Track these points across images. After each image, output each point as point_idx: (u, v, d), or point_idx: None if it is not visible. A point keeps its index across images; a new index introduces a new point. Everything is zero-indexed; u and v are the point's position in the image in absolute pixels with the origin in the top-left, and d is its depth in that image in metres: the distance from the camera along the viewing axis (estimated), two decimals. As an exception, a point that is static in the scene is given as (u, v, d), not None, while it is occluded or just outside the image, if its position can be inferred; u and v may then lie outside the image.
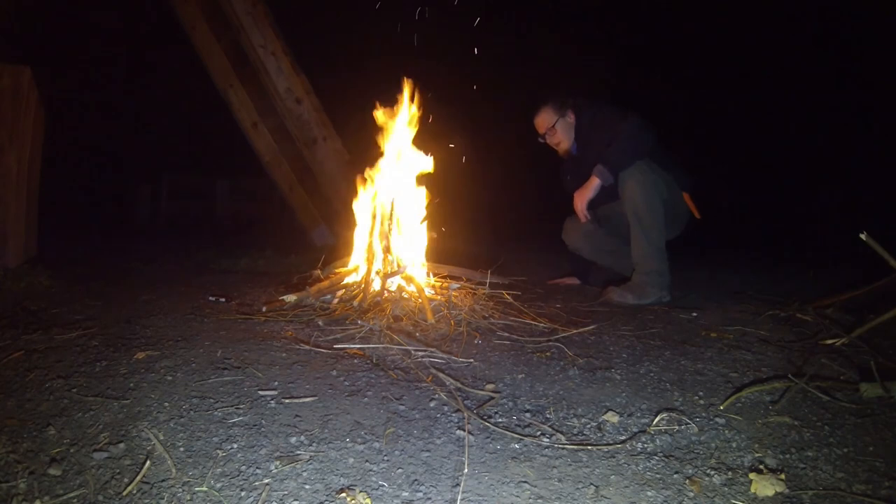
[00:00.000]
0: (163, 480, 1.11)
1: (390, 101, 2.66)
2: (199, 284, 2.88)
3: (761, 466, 1.20)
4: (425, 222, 2.73)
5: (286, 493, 1.08)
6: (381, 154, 2.69)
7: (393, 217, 2.56)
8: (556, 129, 2.92)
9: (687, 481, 1.15)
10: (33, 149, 3.01)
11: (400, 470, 1.18)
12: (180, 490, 1.08)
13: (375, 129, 2.69)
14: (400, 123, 2.69)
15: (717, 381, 1.68)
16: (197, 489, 1.08)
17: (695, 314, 2.44)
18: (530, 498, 1.09)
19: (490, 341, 2.04)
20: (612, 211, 2.92)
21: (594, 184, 2.71)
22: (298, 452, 1.22)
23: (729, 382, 1.67)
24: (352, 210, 2.75)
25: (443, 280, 2.74)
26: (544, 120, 2.93)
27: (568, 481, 1.15)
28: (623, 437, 1.34)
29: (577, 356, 1.89)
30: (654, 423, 1.40)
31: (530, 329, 2.21)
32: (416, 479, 1.14)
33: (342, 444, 1.26)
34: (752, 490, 1.12)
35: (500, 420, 1.42)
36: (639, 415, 1.46)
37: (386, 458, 1.22)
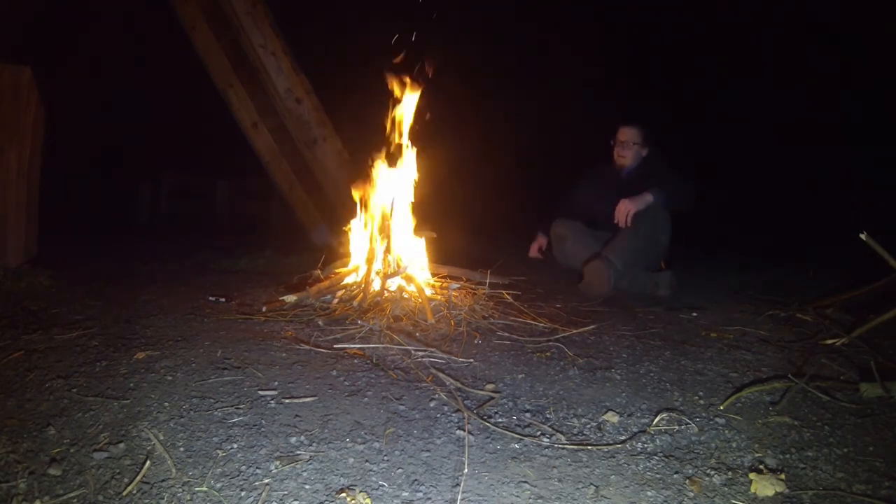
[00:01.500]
0: (163, 480, 1.11)
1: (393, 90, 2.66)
2: (199, 284, 2.88)
3: (761, 466, 1.20)
4: (424, 222, 2.74)
5: (286, 493, 1.08)
6: (380, 152, 2.68)
7: (392, 217, 2.56)
8: (633, 148, 3.20)
9: (687, 481, 1.15)
10: (33, 148, 3.01)
11: (400, 470, 1.18)
12: (180, 490, 1.08)
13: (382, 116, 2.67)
14: (402, 118, 2.67)
15: (717, 381, 1.68)
16: (197, 489, 1.08)
17: (695, 314, 2.44)
18: (530, 498, 1.09)
19: (490, 341, 2.04)
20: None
21: (647, 199, 2.95)
22: (298, 452, 1.22)
23: (729, 382, 1.67)
24: (352, 210, 2.75)
25: (443, 280, 2.74)
26: (632, 136, 3.20)
27: (568, 481, 1.15)
28: (623, 437, 1.34)
29: (577, 356, 1.89)
30: (654, 423, 1.40)
31: (530, 329, 2.21)
32: (416, 479, 1.14)
33: (342, 444, 1.26)
34: (752, 490, 1.12)
35: (500, 420, 1.42)
36: (639, 415, 1.46)
37: (386, 458, 1.22)
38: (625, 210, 2.95)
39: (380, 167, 2.66)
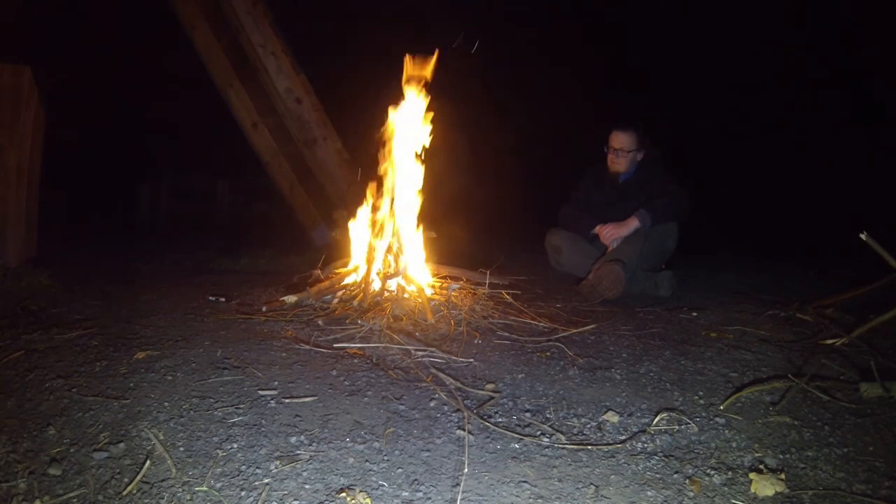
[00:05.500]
0: (163, 480, 1.11)
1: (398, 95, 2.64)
2: (199, 284, 2.88)
3: (761, 466, 1.20)
4: (424, 223, 2.73)
5: (286, 492, 1.08)
6: (384, 151, 2.66)
7: (393, 218, 2.56)
8: (628, 156, 3.13)
9: (687, 481, 1.15)
10: (33, 148, 3.01)
11: (400, 470, 1.18)
12: (180, 490, 1.08)
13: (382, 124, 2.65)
14: (407, 119, 2.65)
15: (717, 380, 1.68)
16: (197, 489, 1.09)
17: (695, 314, 2.44)
18: (530, 498, 1.09)
19: (490, 341, 2.04)
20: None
21: (633, 225, 2.94)
22: (298, 452, 1.22)
23: (729, 382, 1.67)
24: (352, 210, 2.74)
25: (443, 280, 2.74)
26: (625, 142, 3.13)
27: (568, 481, 1.15)
28: (623, 437, 1.34)
29: (577, 356, 1.89)
30: (654, 422, 1.40)
31: (530, 329, 2.21)
32: (416, 479, 1.14)
33: (342, 444, 1.26)
34: (752, 490, 1.12)
35: (500, 420, 1.42)
36: (639, 415, 1.46)
37: (386, 457, 1.22)
38: (612, 235, 2.97)
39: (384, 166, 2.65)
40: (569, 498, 1.10)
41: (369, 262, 2.53)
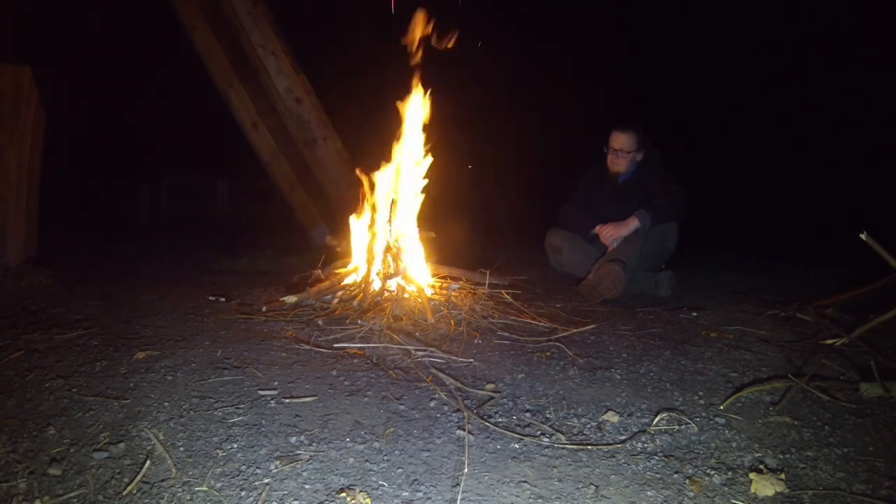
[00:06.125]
0: (163, 480, 1.11)
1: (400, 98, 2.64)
2: (199, 284, 2.88)
3: (761, 466, 1.20)
4: (423, 224, 2.73)
5: (286, 492, 1.08)
6: (386, 155, 2.67)
7: (393, 218, 2.56)
8: (627, 157, 3.14)
9: (687, 481, 1.15)
10: (33, 149, 3.01)
11: (400, 470, 1.18)
12: (180, 490, 1.08)
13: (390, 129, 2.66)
14: (407, 123, 2.66)
15: (717, 380, 1.68)
16: (197, 489, 1.09)
17: (695, 314, 2.44)
18: (530, 498, 1.09)
19: (490, 341, 2.04)
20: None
21: (633, 225, 2.95)
22: (298, 452, 1.22)
23: (729, 382, 1.67)
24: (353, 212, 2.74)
25: (443, 280, 2.74)
26: (625, 142, 3.13)
27: (568, 481, 1.15)
28: (623, 437, 1.34)
29: (577, 356, 1.89)
30: (654, 422, 1.40)
31: (530, 329, 2.21)
32: (416, 479, 1.14)
33: (342, 444, 1.26)
34: (752, 490, 1.12)
35: (500, 420, 1.42)
36: (639, 415, 1.46)
37: (386, 457, 1.22)
38: (612, 235, 2.97)
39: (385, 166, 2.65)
40: (569, 498, 1.10)
41: (369, 262, 2.53)
